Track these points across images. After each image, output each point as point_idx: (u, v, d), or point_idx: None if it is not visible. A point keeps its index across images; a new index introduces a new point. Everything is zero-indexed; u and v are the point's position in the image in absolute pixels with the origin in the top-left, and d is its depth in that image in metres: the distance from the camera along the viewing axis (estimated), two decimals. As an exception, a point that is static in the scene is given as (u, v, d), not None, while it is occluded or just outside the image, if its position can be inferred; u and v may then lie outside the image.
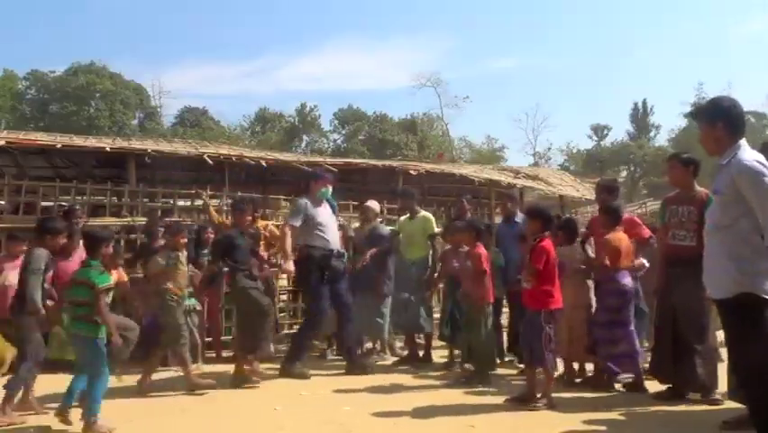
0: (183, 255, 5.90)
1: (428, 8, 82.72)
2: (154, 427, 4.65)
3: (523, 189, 12.62)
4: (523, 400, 4.96)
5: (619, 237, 5.48)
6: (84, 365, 4.62)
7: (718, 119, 3.59)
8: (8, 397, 4.81)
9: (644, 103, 55.69)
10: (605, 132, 56.03)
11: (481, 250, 5.97)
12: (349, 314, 6.42)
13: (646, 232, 5.78)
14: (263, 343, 6.06)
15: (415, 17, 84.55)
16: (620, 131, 60.15)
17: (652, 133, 55.64)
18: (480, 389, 5.63)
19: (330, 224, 6.40)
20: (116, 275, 5.70)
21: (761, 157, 3.49)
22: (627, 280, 5.47)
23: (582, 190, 14.98)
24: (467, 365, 6.19)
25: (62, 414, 4.55)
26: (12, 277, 6.60)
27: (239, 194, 8.88)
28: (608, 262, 5.39)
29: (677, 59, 78.73)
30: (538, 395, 4.94)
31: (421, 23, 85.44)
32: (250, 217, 6.85)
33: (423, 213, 7.26)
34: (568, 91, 79.62)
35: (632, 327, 5.45)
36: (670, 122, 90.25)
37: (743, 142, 3.57)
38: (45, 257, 4.96)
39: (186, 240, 5.99)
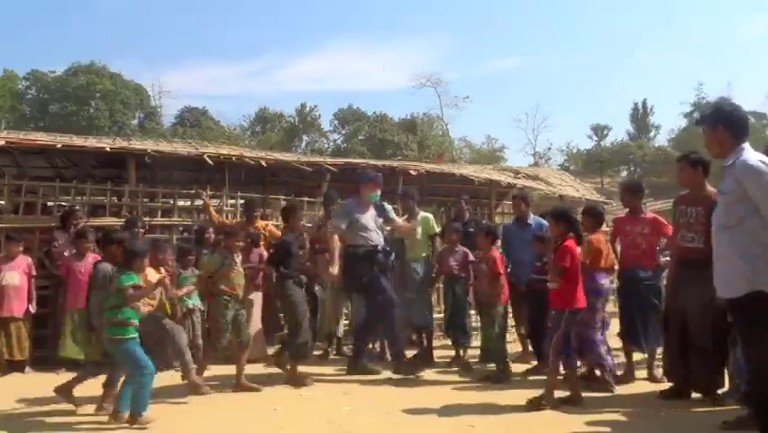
0: (238, 257, 6.00)
1: (428, 8, 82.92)
2: (154, 427, 4.65)
3: (523, 189, 12.59)
4: (570, 400, 4.96)
5: (599, 239, 5.69)
6: (124, 368, 4.82)
7: (719, 122, 3.73)
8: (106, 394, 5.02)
9: (644, 103, 55.86)
10: (605, 132, 56.11)
11: (496, 253, 6.23)
12: (391, 312, 6.26)
13: (670, 229, 5.78)
14: (303, 348, 5.98)
15: (415, 17, 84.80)
16: (620, 131, 60.36)
17: (652, 134, 55.80)
18: (482, 388, 5.65)
19: (374, 227, 6.34)
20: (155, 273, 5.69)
21: (765, 158, 3.54)
22: (605, 281, 5.67)
23: (582, 190, 14.96)
24: (490, 365, 6.28)
25: (116, 418, 4.68)
26: (9, 277, 6.62)
27: (239, 193, 8.89)
28: (587, 261, 5.47)
29: (677, 59, 78.93)
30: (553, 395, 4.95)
31: (421, 24, 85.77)
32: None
33: (422, 213, 7.28)
34: (568, 91, 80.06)
35: (598, 325, 5.59)
36: (670, 122, 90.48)
37: (746, 144, 3.65)
38: (109, 272, 5.03)
39: (241, 242, 6.00)
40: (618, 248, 6.06)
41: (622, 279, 5.96)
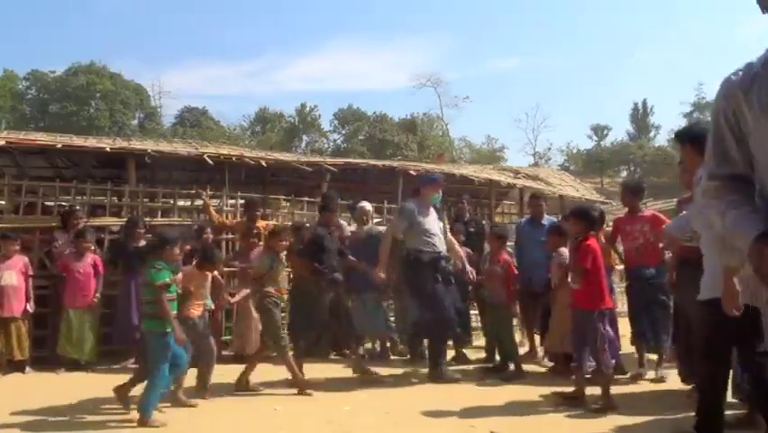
0: (284, 258, 5.94)
1: (428, 8, 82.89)
2: (155, 426, 4.64)
3: (523, 189, 12.59)
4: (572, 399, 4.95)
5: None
6: (150, 361, 4.85)
7: (686, 141, 4.09)
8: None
9: (644, 103, 55.90)
10: (605, 132, 56.12)
11: (507, 256, 6.38)
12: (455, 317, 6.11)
13: None
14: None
15: (415, 17, 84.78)
16: (620, 131, 60.37)
17: (652, 134, 55.83)
18: (482, 388, 5.65)
19: (436, 230, 6.11)
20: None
21: None
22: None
23: (582, 190, 14.95)
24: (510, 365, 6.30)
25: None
26: (7, 277, 6.61)
27: (239, 193, 8.88)
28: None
29: (677, 59, 78.88)
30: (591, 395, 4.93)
31: (421, 24, 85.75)
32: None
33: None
34: (568, 91, 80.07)
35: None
36: (670, 122, 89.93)
37: None
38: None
39: (286, 243, 5.95)
40: (620, 248, 6.08)
41: (629, 278, 6.03)
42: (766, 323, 1.65)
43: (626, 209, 6.23)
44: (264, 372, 5.91)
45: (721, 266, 3.37)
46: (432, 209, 6.22)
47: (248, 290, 6.33)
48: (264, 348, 5.89)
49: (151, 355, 4.81)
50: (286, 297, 5.91)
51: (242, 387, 5.63)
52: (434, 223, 6.12)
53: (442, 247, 6.10)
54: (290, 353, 5.72)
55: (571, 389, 5.07)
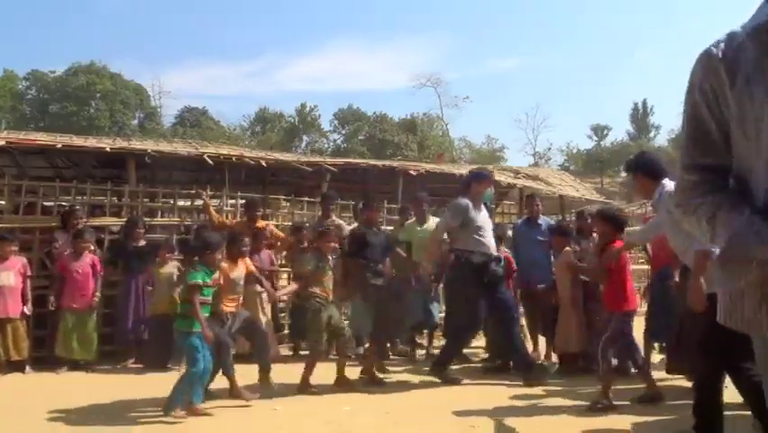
0: (330, 259, 5.89)
1: (428, 8, 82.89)
2: (154, 427, 4.65)
3: (523, 189, 12.59)
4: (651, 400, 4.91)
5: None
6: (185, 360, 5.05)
7: (637, 170, 4.53)
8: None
9: (644, 103, 55.83)
10: (605, 132, 56.05)
11: (505, 252, 6.43)
12: (513, 319, 6.10)
13: None
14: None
15: (415, 17, 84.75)
16: (620, 131, 60.24)
17: (652, 134, 55.72)
18: (482, 388, 5.65)
19: (488, 228, 5.99)
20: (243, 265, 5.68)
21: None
22: None
23: (582, 190, 14.95)
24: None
25: (196, 412, 4.82)
26: (4, 277, 6.60)
27: (239, 193, 8.88)
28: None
29: (677, 59, 78.75)
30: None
31: (421, 24, 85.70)
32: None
33: (433, 219, 7.25)
34: (568, 91, 79.99)
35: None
36: (670, 122, 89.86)
37: (665, 180, 4.29)
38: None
39: (334, 244, 5.93)
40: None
41: (654, 278, 6.08)
42: (758, 351, 1.52)
43: (651, 209, 6.29)
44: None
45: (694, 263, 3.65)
46: (483, 208, 6.07)
47: (296, 287, 6.18)
48: (317, 348, 5.75)
49: (186, 355, 5.02)
50: (331, 298, 5.74)
51: (303, 389, 5.56)
52: (486, 221, 5.98)
53: (492, 245, 5.97)
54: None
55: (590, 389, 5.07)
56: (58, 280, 6.91)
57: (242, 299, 5.58)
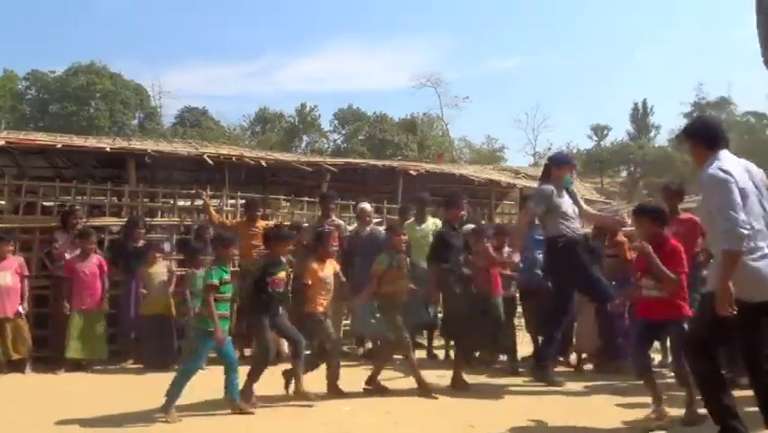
0: (406, 258, 5.77)
1: (428, 8, 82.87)
2: (154, 427, 4.65)
3: (523, 190, 12.59)
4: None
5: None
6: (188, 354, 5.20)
7: (690, 136, 3.97)
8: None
9: (644, 103, 55.69)
10: (605, 132, 55.96)
11: (486, 246, 6.34)
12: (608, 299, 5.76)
13: None
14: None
15: (415, 17, 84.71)
16: (620, 131, 60.23)
17: (652, 134, 55.61)
18: (482, 388, 5.65)
19: (573, 214, 5.85)
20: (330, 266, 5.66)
21: (732, 166, 3.62)
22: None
23: (582, 190, 14.96)
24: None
25: (235, 407, 4.91)
26: (1, 277, 6.60)
27: (239, 193, 8.88)
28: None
29: (677, 59, 78.86)
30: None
31: (421, 24, 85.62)
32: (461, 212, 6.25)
33: (433, 219, 7.33)
34: (568, 91, 79.82)
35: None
36: (670, 122, 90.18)
37: (721, 153, 3.73)
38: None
39: (406, 238, 5.90)
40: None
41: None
42: None
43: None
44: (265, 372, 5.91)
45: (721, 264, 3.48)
46: (566, 193, 5.94)
47: (373, 288, 5.82)
48: (388, 349, 5.76)
49: (192, 349, 5.09)
50: (405, 298, 5.67)
51: (373, 387, 5.57)
52: (569, 206, 5.87)
53: (579, 232, 5.89)
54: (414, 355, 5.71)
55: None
56: (61, 281, 6.91)
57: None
